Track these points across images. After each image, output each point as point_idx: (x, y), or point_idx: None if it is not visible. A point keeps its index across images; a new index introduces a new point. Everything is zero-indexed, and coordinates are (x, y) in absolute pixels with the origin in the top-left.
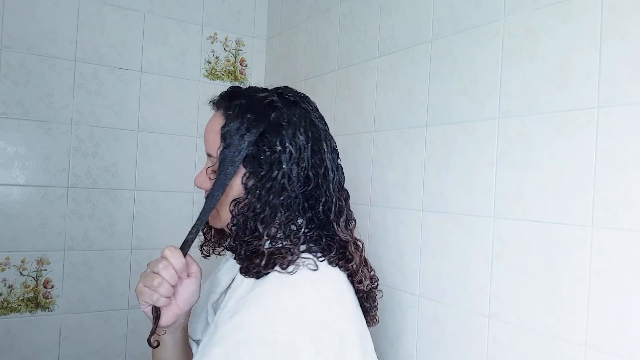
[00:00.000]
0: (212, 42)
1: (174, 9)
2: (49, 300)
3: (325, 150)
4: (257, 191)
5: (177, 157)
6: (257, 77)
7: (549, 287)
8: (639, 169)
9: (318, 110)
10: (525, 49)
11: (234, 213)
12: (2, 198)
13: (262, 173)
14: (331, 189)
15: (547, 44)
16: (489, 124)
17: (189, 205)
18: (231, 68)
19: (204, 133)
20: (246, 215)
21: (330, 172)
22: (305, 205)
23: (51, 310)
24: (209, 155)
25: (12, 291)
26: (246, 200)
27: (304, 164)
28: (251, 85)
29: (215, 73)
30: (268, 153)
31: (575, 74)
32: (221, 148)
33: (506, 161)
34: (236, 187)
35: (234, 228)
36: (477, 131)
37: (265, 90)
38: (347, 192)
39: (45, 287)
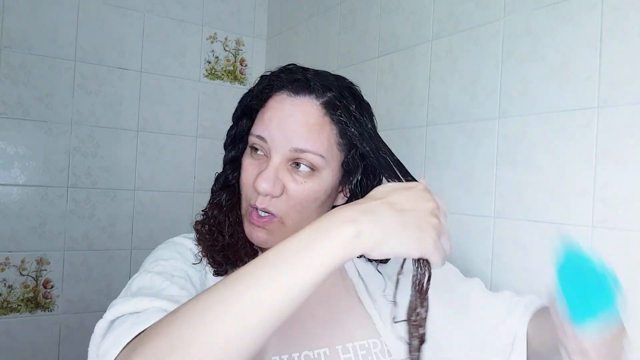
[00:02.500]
0: (212, 42)
1: (174, 9)
2: (49, 300)
3: None
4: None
5: (177, 157)
6: (257, 77)
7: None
8: (639, 169)
9: None
10: (525, 49)
11: None
12: (2, 198)
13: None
14: None
15: (547, 44)
16: (489, 124)
17: (189, 205)
18: (231, 68)
19: (293, 124)
20: None
21: None
22: None
23: (51, 310)
24: (301, 150)
25: (12, 291)
26: None
27: None
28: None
29: (215, 73)
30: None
31: (575, 74)
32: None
33: (506, 161)
34: (334, 194)
35: None
36: (477, 131)
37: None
38: None
39: (45, 287)
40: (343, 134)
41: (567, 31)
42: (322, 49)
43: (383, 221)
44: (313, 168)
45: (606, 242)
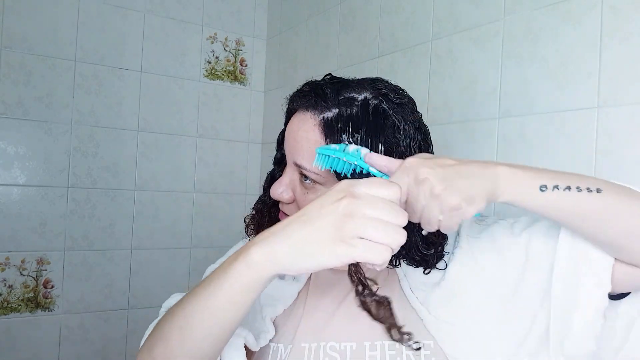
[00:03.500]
0: (212, 42)
1: (174, 9)
2: (49, 300)
3: None
4: None
5: (177, 157)
6: (257, 77)
7: None
8: (639, 169)
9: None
10: (525, 49)
11: None
12: (2, 198)
13: None
14: None
15: (547, 44)
16: (489, 124)
17: (189, 205)
18: (231, 68)
19: (294, 140)
20: None
21: None
22: None
23: (51, 310)
24: (298, 166)
25: (12, 291)
26: None
27: None
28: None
29: (215, 73)
30: None
31: (575, 74)
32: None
33: (506, 161)
34: None
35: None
36: (477, 131)
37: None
38: None
39: (45, 287)
40: None
41: (567, 31)
42: (322, 49)
43: (289, 238)
44: (314, 182)
45: None
